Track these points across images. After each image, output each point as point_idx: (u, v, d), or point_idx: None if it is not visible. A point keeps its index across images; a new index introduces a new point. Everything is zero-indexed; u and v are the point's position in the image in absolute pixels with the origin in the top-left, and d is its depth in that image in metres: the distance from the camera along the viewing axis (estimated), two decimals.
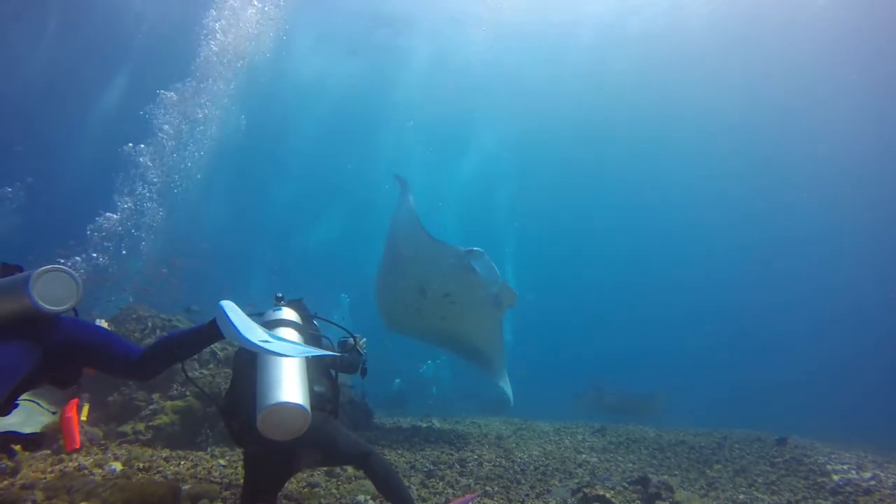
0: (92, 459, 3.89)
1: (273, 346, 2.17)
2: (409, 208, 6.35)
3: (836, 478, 5.58)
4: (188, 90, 12.32)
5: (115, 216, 8.91)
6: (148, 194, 10.20)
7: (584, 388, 11.12)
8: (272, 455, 2.70)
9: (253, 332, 2.24)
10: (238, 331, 2.18)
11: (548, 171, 32.58)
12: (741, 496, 4.85)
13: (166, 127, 11.75)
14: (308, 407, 2.44)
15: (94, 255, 8.39)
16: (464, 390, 14.89)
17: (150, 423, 4.91)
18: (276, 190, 31.38)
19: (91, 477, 3.44)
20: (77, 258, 8.04)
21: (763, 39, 21.73)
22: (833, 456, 6.60)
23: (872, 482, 5.40)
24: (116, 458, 4.01)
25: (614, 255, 40.32)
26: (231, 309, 2.41)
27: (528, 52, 22.84)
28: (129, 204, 9.61)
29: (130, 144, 10.56)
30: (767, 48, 22.28)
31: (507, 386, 7.38)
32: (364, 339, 3.90)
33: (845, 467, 6.03)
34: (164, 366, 2.55)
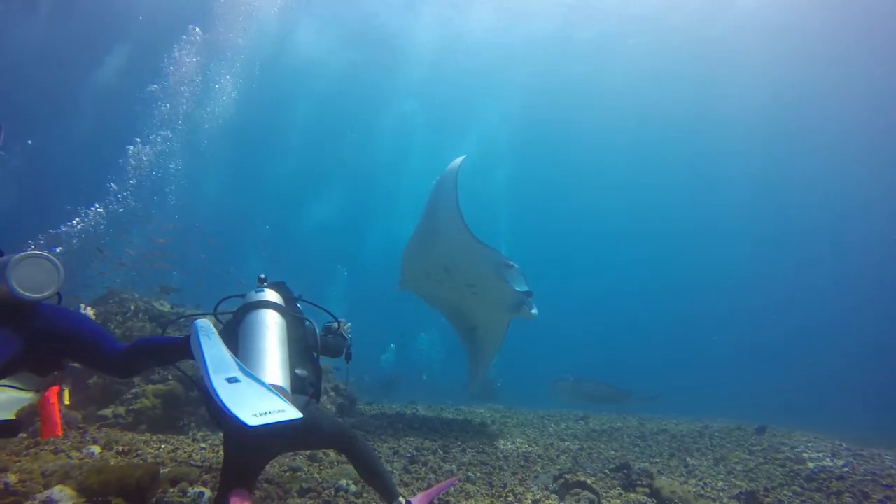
0: (70, 443, 3.84)
1: (236, 392, 1.98)
2: (452, 194, 6.20)
3: (811, 465, 5.70)
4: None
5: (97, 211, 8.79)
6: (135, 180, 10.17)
7: (563, 374, 11.18)
8: (252, 438, 2.67)
9: (222, 367, 2.12)
10: (206, 368, 2.07)
11: (546, 154, 32.52)
12: (720, 483, 4.93)
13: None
14: (289, 390, 2.42)
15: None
16: (454, 378, 14.96)
17: (132, 407, 4.86)
18: (276, 167, 31.19)
19: (68, 460, 3.40)
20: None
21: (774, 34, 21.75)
22: (809, 444, 6.73)
23: (845, 469, 5.53)
24: (95, 442, 3.96)
25: (610, 243, 40.43)
26: (204, 333, 2.32)
27: (531, 33, 22.63)
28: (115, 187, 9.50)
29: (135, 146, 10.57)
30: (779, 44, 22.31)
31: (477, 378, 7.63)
32: (349, 324, 3.88)
33: (820, 455, 6.16)
34: (142, 369, 2.51)
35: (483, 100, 26.78)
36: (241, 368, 2.20)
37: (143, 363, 2.51)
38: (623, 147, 31.23)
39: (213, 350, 2.22)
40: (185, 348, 2.37)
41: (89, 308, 4.26)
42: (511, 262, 6.45)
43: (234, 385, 2.03)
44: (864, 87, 23.45)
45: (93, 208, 8.54)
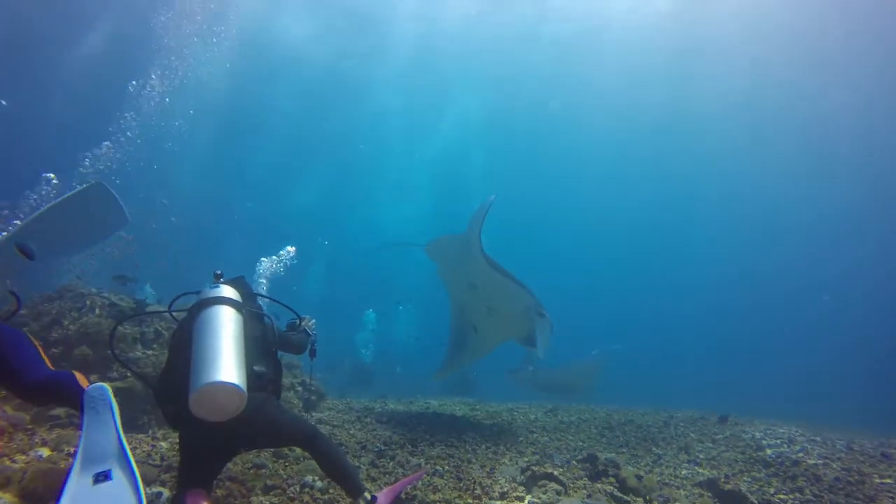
0: (15, 445, 3.65)
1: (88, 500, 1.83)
2: (477, 238, 6.08)
3: (769, 452, 5.91)
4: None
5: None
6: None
7: (519, 364, 11.22)
8: (208, 437, 2.58)
9: (96, 459, 1.96)
10: (74, 460, 1.93)
11: (522, 139, 32.61)
12: (683, 471, 5.05)
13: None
14: (244, 387, 2.34)
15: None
16: (428, 371, 14.97)
17: None
18: (256, 152, 30.53)
19: (11, 465, 3.22)
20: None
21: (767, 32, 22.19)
22: (768, 432, 6.98)
23: (800, 454, 5.75)
24: (45, 444, 3.78)
25: (587, 230, 40.62)
26: (92, 406, 2.13)
27: (510, 20, 22.62)
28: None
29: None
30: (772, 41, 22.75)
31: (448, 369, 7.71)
32: (314, 321, 3.81)
33: (778, 442, 6.39)
34: (58, 405, 2.34)
35: (461, 84, 26.75)
36: (123, 459, 2.01)
37: (57, 403, 2.33)
38: (603, 131, 31.34)
39: (96, 432, 2.05)
40: (79, 401, 2.20)
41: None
42: (543, 311, 6.29)
43: (94, 489, 1.86)
44: (859, 84, 24.06)
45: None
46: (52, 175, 8.41)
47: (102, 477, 1.89)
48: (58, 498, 1.80)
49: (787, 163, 30.62)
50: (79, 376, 2.40)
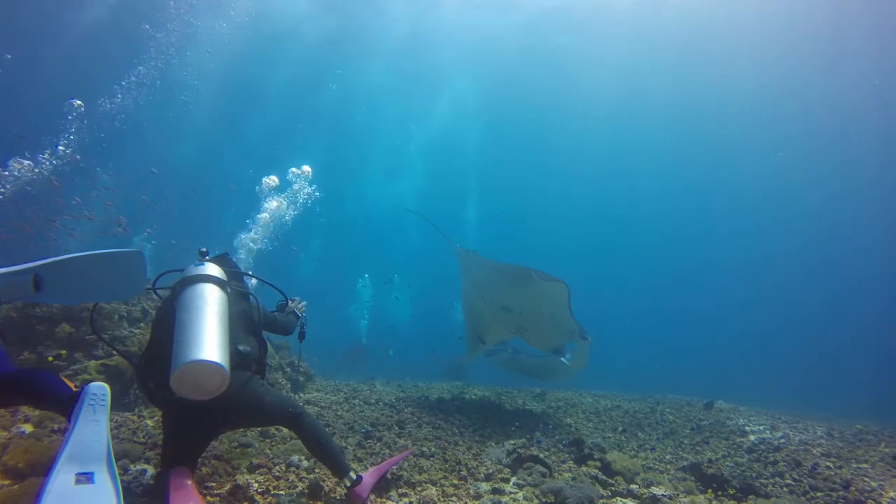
0: None
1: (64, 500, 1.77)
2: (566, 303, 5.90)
3: (752, 438, 6.01)
4: None
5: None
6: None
7: (498, 347, 11.27)
8: (190, 416, 2.57)
9: (81, 458, 1.91)
10: (59, 455, 1.86)
11: (518, 123, 32.39)
12: (668, 456, 5.12)
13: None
14: (226, 366, 2.32)
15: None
16: (420, 355, 15.02)
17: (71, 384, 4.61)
18: (252, 124, 30.22)
19: None
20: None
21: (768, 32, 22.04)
22: (752, 418, 7.10)
23: (782, 440, 5.86)
24: (27, 420, 3.74)
25: (579, 218, 40.59)
26: (91, 404, 2.07)
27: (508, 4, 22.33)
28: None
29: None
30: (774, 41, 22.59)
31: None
32: (304, 303, 3.79)
33: (761, 428, 6.51)
34: (19, 404, 2.26)
35: (457, 65, 26.48)
36: (108, 465, 1.97)
37: (19, 402, 2.25)
38: (602, 119, 31.15)
39: (87, 431, 2.00)
40: (67, 407, 2.10)
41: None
42: (586, 334, 6.20)
43: (75, 489, 1.81)
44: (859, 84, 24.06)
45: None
46: (79, 102, 8.33)
47: (84, 479, 1.86)
48: (39, 494, 1.75)
49: (793, 159, 30.69)
50: (64, 380, 2.34)
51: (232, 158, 29.89)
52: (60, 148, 8.17)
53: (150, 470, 3.20)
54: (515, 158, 34.42)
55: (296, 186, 7.78)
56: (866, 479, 4.43)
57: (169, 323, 2.56)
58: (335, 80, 27.12)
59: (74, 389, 2.23)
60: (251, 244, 6.75)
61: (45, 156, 7.84)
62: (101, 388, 2.12)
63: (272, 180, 7.37)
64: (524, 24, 23.15)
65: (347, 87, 27.82)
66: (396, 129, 31.65)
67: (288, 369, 6.71)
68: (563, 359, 6.69)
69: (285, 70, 26.08)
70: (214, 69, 21.56)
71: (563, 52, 25.01)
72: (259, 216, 7.03)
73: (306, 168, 7.85)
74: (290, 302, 3.69)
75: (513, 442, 4.72)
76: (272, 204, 7.18)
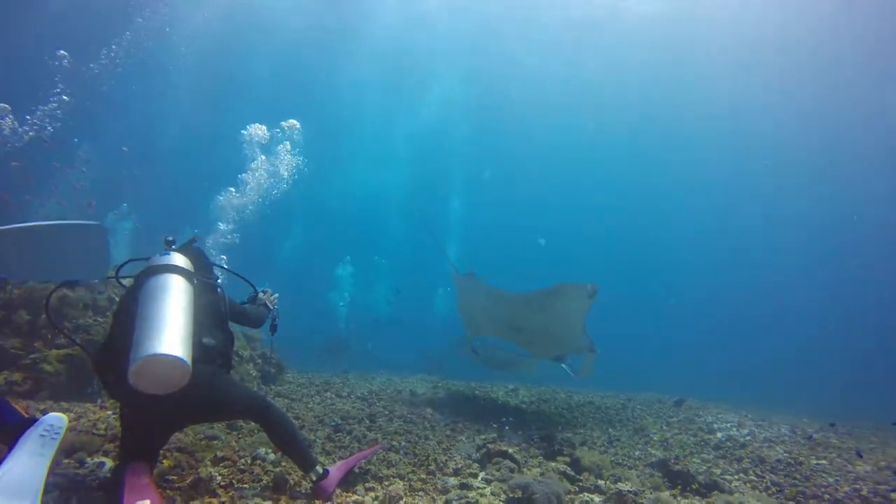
0: None
1: None
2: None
3: (719, 435, 6.15)
4: None
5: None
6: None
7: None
8: (149, 410, 2.48)
9: (13, 495, 1.81)
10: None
11: (506, 118, 32.42)
12: (637, 452, 5.19)
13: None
14: (187, 359, 2.24)
15: None
16: (399, 350, 14.97)
17: (29, 374, 4.45)
18: (235, 116, 29.65)
19: None
20: None
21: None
22: (720, 416, 7.25)
23: (748, 437, 6.00)
24: None
25: (566, 212, 40.76)
26: (40, 436, 1.99)
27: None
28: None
29: None
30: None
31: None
32: (276, 295, 3.70)
33: (728, 425, 6.65)
34: None
35: (443, 60, 26.38)
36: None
37: None
38: (590, 116, 31.28)
39: (26, 464, 1.91)
40: (15, 434, 2.00)
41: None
42: (594, 347, 6.22)
43: None
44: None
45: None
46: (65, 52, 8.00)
47: None
48: None
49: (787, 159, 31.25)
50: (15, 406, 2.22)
51: (218, 146, 29.43)
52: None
53: (109, 463, 3.10)
54: (501, 148, 34.45)
55: (282, 147, 7.54)
56: (824, 474, 4.57)
57: (130, 314, 2.46)
58: (322, 69, 26.78)
59: (26, 417, 2.13)
60: (231, 204, 6.60)
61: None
62: (58, 420, 2.03)
63: (260, 129, 7.18)
64: (517, 21, 23.18)
65: (336, 74, 27.52)
66: (383, 119, 31.37)
67: (259, 361, 6.61)
68: (563, 365, 6.75)
69: (271, 55, 25.65)
70: (198, 57, 21.06)
71: (557, 46, 25.10)
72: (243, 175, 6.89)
73: (293, 122, 7.65)
74: (260, 294, 3.60)
75: (483, 437, 4.73)
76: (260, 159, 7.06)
